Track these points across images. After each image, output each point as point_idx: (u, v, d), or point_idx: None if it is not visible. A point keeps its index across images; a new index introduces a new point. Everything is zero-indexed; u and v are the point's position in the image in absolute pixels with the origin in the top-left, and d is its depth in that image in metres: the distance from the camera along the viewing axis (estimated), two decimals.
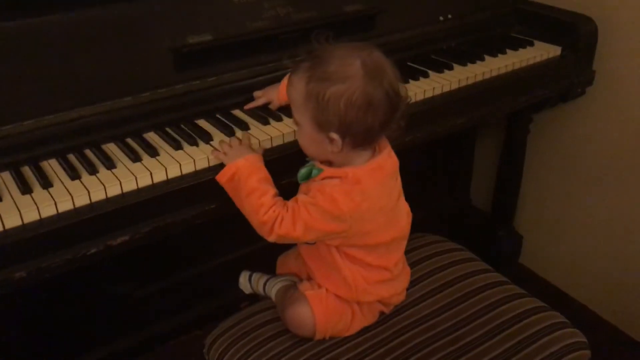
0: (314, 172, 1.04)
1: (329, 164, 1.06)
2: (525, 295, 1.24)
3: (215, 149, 1.11)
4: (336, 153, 1.01)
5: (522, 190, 1.98)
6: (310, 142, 1.03)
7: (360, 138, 1.00)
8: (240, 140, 1.13)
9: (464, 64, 1.47)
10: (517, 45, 1.58)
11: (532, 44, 1.60)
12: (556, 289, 1.97)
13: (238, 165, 1.04)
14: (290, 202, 1.04)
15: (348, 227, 1.02)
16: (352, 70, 0.96)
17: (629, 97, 1.60)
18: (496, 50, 1.54)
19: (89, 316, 1.52)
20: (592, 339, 1.18)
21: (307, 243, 1.12)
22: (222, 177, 1.05)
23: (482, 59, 1.50)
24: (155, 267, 1.58)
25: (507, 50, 1.55)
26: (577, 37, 1.58)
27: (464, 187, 2.22)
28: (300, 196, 1.04)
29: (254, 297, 1.41)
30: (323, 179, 1.03)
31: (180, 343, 1.68)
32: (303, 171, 1.06)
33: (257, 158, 1.07)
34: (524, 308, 1.20)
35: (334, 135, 0.98)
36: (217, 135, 1.17)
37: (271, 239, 1.03)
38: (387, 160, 1.06)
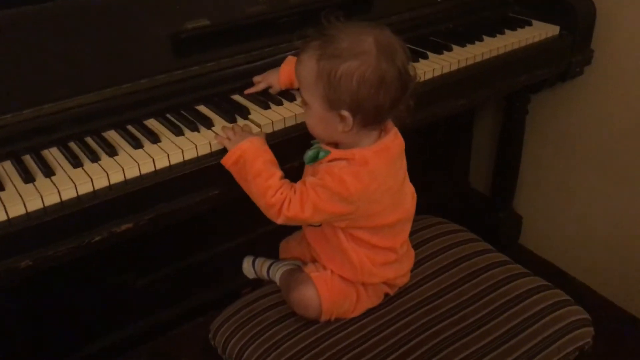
0: (321, 154, 1.04)
1: (336, 146, 1.05)
2: (528, 274, 1.24)
3: (218, 134, 1.10)
4: (346, 132, 1.01)
5: (521, 171, 1.98)
6: (319, 121, 1.03)
7: (371, 116, 0.99)
8: (241, 126, 1.12)
9: (462, 45, 1.47)
10: (515, 25, 1.58)
11: (530, 24, 1.60)
12: (556, 268, 1.99)
13: (243, 148, 1.03)
14: (298, 184, 1.04)
15: (356, 208, 1.02)
16: (365, 47, 0.96)
17: (627, 76, 1.60)
18: (495, 30, 1.54)
19: (92, 306, 1.52)
20: (592, 316, 1.19)
21: (312, 225, 1.12)
22: (227, 161, 1.05)
23: (481, 40, 1.50)
24: (156, 255, 1.58)
25: (506, 31, 1.55)
26: (575, 16, 1.58)
27: (462, 169, 2.23)
28: (308, 178, 1.03)
29: (256, 283, 1.42)
30: (330, 160, 1.03)
31: (183, 331, 1.69)
32: (310, 153, 1.06)
33: (261, 141, 1.07)
34: (527, 287, 1.20)
35: (345, 113, 0.98)
36: (218, 121, 1.16)
37: (279, 221, 1.03)
38: (393, 141, 1.06)
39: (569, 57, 1.61)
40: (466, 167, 2.23)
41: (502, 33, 1.54)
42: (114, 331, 1.58)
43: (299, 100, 1.23)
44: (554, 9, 1.61)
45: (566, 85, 1.74)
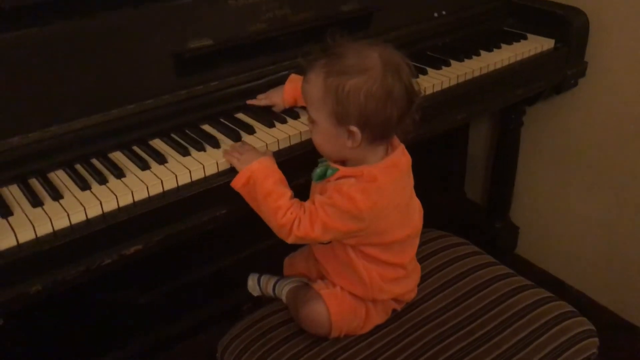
0: (329, 171, 1.05)
1: (343, 163, 1.06)
2: (532, 286, 1.26)
3: (226, 152, 1.11)
4: (354, 148, 1.02)
5: (517, 182, 2.00)
6: (328, 138, 1.04)
7: (379, 131, 1.01)
8: (249, 144, 1.13)
9: (460, 60, 1.49)
10: (511, 39, 1.60)
11: (525, 38, 1.62)
12: (553, 277, 2.00)
13: (252, 169, 1.04)
14: (307, 203, 1.04)
15: (366, 226, 1.03)
16: (370, 63, 0.97)
17: (620, 87, 1.63)
18: (491, 44, 1.56)
19: (93, 323, 1.51)
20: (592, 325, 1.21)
21: (321, 243, 1.13)
22: (237, 183, 1.05)
23: (478, 54, 1.52)
24: (158, 273, 1.57)
25: (502, 45, 1.57)
26: (570, 29, 1.60)
27: (458, 180, 2.24)
28: (317, 197, 1.04)
29: (257, 299, 1.42)
30: (338, 178, 1.04)
31: (185, 347, 1.68)
32: (318, 171, 1.06)
33: (270, 160, 1.07)
34: (532, 299, 1.22)
35: (354, 128, 0.99)
36: (223, 140, 1.17)
37: (290, 240, 1.04)
38: (401, 158, 1.07)
39: (563, 69, 1.63)
40: (462, 179, 2.25)
41: (499, 47, 1.56)
42: (116, 349, 1.57)
43: (303, 118, 1.24)
44: (549, 23, 1.64)
45: (561, 97, 1.76)
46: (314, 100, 1.02)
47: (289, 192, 1.05)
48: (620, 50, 1.60)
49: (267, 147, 1.15)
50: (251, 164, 1.04)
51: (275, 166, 1.07)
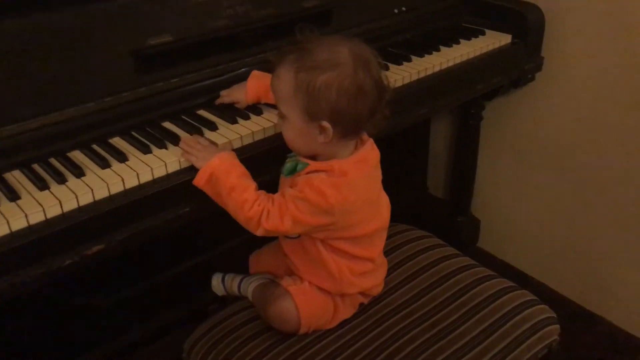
0: (300, 166, 1.04)
1: (313, 158, 1.06)
2: (496, 276, 1.28)
3: (183, 150, 1.09)
4: (325, 144, 1.02)
5: (478, 176, 2.04)
6: (299, 134, 1.03)
7: (351, 126, 1.01)
8: (206, 139, 1.12)
9: (421, 56, 1.50)
10: (469, 35, 1.62)
11: (483, 33, 1.65)
12: (514, 269, 2.05)
13: (213, 165, 1.03)
14: (277, 196, 1.04)
15: (335, 220, 1.03)
16: (341, 58, 0.97)
17: (576, 81, 1.67)
18: (450, 40, 1.58)
19: (57, 328, 1.47)
20: None
21: (290, 237, 1.13)
22: (199, 181, 1.04)
23: (438, 50, 1.54)
24: (122, 274, 1.54)
25: (461, 40, 1.59)
26: (525, 25, 1.64)
27: (421, 175, 2.27)
28: (287, 190, 1.04)
29: (221, 300, 1.41)
30: (308, 173, 1.03)
31: (151, 350, 1.65)
32: (288, 165, 1.06)
33: (230, 154, 1.06)
34: (495, 289, 1.24)
35: (326, 124, 0.99)
36: (185, 137, 1.15)
37: (259, 233, 1.03)
38: (370, 153, 1.08)
39: (521, 64, 1.67)
40: (424, 174, 2.27)
41: (458, 43, 1.58)
42: (80, 354, 1.53)
43: (266, 114, 1.23)
44: (506, 18, 1.67)
45: (519, 92, 1.80)
46: (284, 96, 1.02)
47: (253, 184, 1.04)
48: (575, 45, 1.64)
49: (231, 145, 1.14)
50: (211, 160, 1.03)
51: (236, 160, 1.06)
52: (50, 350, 1.47)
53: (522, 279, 1.98)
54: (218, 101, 1.27)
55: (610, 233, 1.73)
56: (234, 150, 1.13)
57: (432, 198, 2.28)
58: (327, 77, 0.97)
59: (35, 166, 1.07)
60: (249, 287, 1.24)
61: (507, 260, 2.07)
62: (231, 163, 1.05)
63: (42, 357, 1.47)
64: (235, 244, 1.62)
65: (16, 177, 1.04)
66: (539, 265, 1.98)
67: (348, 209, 1.04)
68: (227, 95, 1.26)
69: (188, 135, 1.16)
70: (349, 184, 1.03)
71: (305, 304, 1.11)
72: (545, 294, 1.91)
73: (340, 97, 0.97)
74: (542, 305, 1.22)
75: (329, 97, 0.97)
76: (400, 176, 2.20)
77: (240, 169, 1.05)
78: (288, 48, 1.02)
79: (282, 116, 1.05)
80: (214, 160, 1.03)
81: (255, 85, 1.23)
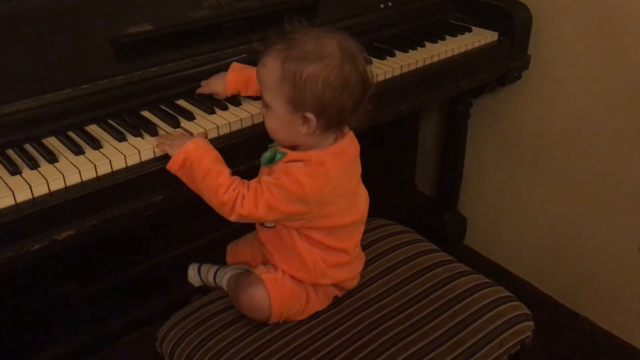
0: (278, 155, 1.05)
1: (293, 149, 1.06)
2: (471, 272, 1.28)
3: (158, 142, 1.09)
4: (307, 135, 1.02)
5: (465, 174, 2.04)
6: (282, 124, 1.03)
7: (334, 119, 1.02)
8: (179, 130, 1.12)
9: (405, 51, 1.50)
10: (455, 31, 1.62)
11: (470, 30, 1.65)
12: (500, 267, 2.04)
13: (187, 150, 1.03)
14: (253, 183, 1.04)
15: (310, 209, 1.03)
16: (329, 50, 0.98)
17: (563, 79, 1.67)
18: (436, 36, 1.58)
19: (35, 317, 1.47)
20: (536, 312, 1.24)
21: (266, 226, 1.13)
22: (173, 165, 1.04)
23: (423, 46, 1.54)
24: (102, 264, 1.55)
25: (447, 37, 1.59)
26: (513, 22, 1.63)
27: (409, 172, 2.27)
28: (264, 177, 1.04)
29: (204, 290, 1.41)
30: (286, 162, 1.04)
31: (131, 341, 1.66)
32: (267, 155, 1.06)
33: (204, 140, 1.07)
34: (469, 285, 1.24)
35: (310, 115, 0.99)
36: (162, 126, 1.16)
37: (232, 218, 1.03)
38: (350, 145, 1.08)
39: (507, 62, 1.66)
40: (412, 170, 2.27)
41: (443, 39, 1.58)
42: (59, 343, 1.54)
43: (245, 105, 1.23)
44: (493, 16, 1.67)
45: (506, 90, 1.80)
46: (269, 85, 1.02)
47: (227, 170, 1.04)
48: (562, 44, 1.64)
49: (206, 134, 1.15)
50: (185, 145, 1.03)
51: (211, 145, 1.07)
52: (27, 339, 1.48)
53: (507, 277, 1.98)
54: (198, 91, 1.27)
55: (595, 233, 1.73)
56: (209, 140, 1.13)
57: (419, 195, 2.28)
58: (313, 68, 0.97)
59: (9, 151, 1.07)
60: (225, 277, 1.24)
61: (493, 258, 2.07)
62: (205, 148, 1.05)
63: (18, 346, 1.47)
64: (215, 236, 1.63)
65: None
66: (523, 263, 1.98)
67: (323, 199, 1.04)
68: (206, 86, 1.26)
69: (164, 124, 1.16)
70: (326, 174, 1.03)
71: (277, 293, 1.11)
72: (529, 293, 1.92)
73: (325, 89, 0.98)
74: (516, 302, 1.22)
75: (315, 89, 0.98)
76: (389, 174, 2.20)
77: (214, 153, 1.05)
78: (276, 38, 1.02)
79: (266, 105, 1.05)
80: (189, 145, 1.04)
81: (234, 78, 1.23)
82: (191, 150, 1.03)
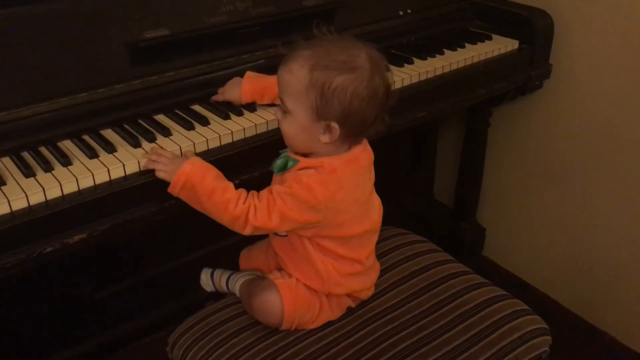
0: (290, 162, 1.04)
1: (305, 155, 1.05)
2: (487, 284, 1.25)
3: (149, 162, 1.06)
4: (327, 143, 1.01)
5: (484, 183, 2.01)
6: (300, 130, 1.02)
7: (357, 129, 1.01)
8: (167, 150, 1.09)
9: (423, 58, 1.49)
10: (475, 39, 1.60)
11: (490, 38, 1.63)
12: (518, 279, 2.01)
13: (185, 172, 1.01)
14: (264, 193, 1.03)
15: (323, 217, 1.02)
16: (360, 61, 0.98)
17: (584, 89, 1.64)
18: (455, 44, 1.56)
19: (47, 321, 1.48)
20: (554, 326, 1.21)
21: (279, 235, 1.12)
22: (174, 189, 1.03)
23: (442, 53, 1.52)
24: (115, 268, 1.55)
25: (466, 44, 1.58)
26: (534, 31, 1.61)
27: (427, 181, 2.25)
28: (275, 186, 1.03)
29: (217, 296, 1.40)
30: (299, 170, 1.03)
31: (143, 345, 1.66)
32: (279, 162, 1.05)
33: (199, 159, 1.05)
34: (485, 297, 1.21)
35: (334, 125, 0.99)
36: (176, 130, 1.16)
37: (246, 231, 1.02)
38: (363, 152, 1.07)
39: (528, 70, 1.64)
40: (431, 180, 2.25)
41: (463, 47, 1.56)
42: (71, 346, 1.54)
43: (260, 111, 1.23)
44: (514, 24, 1.65)
45: (526, 99, 1.77)
46: (293, 91, 1.00)
47: (230, 184, 1.03)
48: (584, 53, 1.61)
49: (220, 139, 1.14)
50: (182, 167, 1.01)
51: (206, 163, 1.05)
52: (39, 341, 1.48)
53: (526, 290, 1.95)
54: (214, 98, 1.27)
55: (618, 246, 1.69)
56: (225, 145, 1.12)
57: (437, 204, 2.26)
58: (344, 79, 0.96)
59: (25, 154, 1.08)
60: (237, 282, 1.23)
61: (512, 270, 2.04)
62: (204, 167, 1.03)
63: (31, 349, 1.48)
64: (228, 242, 1.62)
65: (4, 163, 1.05)
66: (543, 276, 1.94)
67: (335, 207, 1.03)
68: (222, 94, 1.25)
69: (179, 127, 1.16)
70: (337, 181, 1.02)
71: (290, 298, 1.09)
72: (548, 306, 1.88)
73: (353, 100, 0.97)
74: (533, 316, 1.19)
75: (343, 99, 0.97)
76: (408, 182, 2.19)
77: (214, 171, 1.04)
78: (302, 43, 1.01)
79: (285, 110, 1.03)
80: (186, 167, 1.02)
81: (250, 87, 1.23)
82: (189, 172, 1.01)
